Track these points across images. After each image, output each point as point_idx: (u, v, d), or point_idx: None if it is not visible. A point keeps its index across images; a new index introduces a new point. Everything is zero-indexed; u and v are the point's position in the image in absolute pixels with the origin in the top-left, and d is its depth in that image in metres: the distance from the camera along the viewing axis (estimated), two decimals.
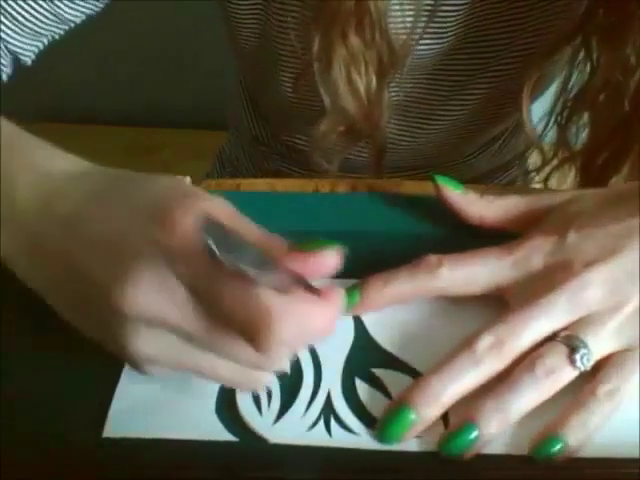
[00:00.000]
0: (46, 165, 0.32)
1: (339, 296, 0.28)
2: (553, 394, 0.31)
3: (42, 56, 0.51)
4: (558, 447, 0.30)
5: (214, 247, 0.24)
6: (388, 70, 0.49)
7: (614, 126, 0.48)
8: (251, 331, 0.25)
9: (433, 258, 0.34)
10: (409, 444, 0.31)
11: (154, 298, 0.27)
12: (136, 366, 0.29)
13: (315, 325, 0.27)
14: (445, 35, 0.52)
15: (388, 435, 0.31)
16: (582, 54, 0.48)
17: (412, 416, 0.31)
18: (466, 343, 0.32)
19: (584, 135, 0.52)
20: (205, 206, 0.27)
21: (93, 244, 0.28)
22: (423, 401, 0.31)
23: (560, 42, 0.50)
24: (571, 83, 0.50)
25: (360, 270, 0.36)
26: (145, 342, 0.28)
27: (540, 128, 0.53)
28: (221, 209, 0.28)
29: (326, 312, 0.27)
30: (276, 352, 0.26)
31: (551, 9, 0.51)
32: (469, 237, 0.36)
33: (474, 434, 0.30)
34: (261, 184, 0.44)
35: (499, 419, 0.30)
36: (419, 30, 0.50)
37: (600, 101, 0.48)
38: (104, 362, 0.32)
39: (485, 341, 0.32)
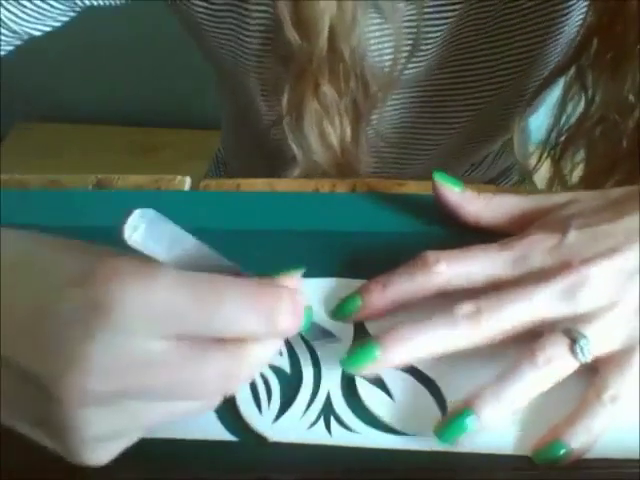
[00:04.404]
0: None
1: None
2: (553, 386, 0.31)
3: (43, 57, 0.51)
4: (562, 452, 0.30)
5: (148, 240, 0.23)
6: (365, 115, 0.48)
7: (612, 162, 0.47)
8: None
9: (431, 255, 0.34)
10: (409, 444, 0.31)
11: (109, 374, 0.23)
12: (78, 454, 0.25)
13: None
14: (424, 56, 0.51)
15: (350, 363, 0.32)
16: (576, 87, 0.47)
17: (376, 352, 0.31)
18: (449, 306, 0.32)
19: (580, 169, 0.51)
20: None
21: (9, 325, 0.24)
22: (391, 343, 0.32)
23: (552, 75, 0.49)
24: (565, 116, 0.49)
25: (361, 270, 0.36)
26: (95, 425, 0.24)
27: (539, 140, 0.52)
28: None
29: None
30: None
31: (533, 33, 0.50)
32: (470, 237, 0.36)
33: (470, 419, 0.30)
34: (261, 184, 0.44)
35: (497, 406, 0.31)
36: (399, 67, 0.48)
37: (596, 136, 0.48)
38: None
39: (465, 308, 0.32)
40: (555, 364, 0.31)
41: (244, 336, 0.26)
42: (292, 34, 0.44)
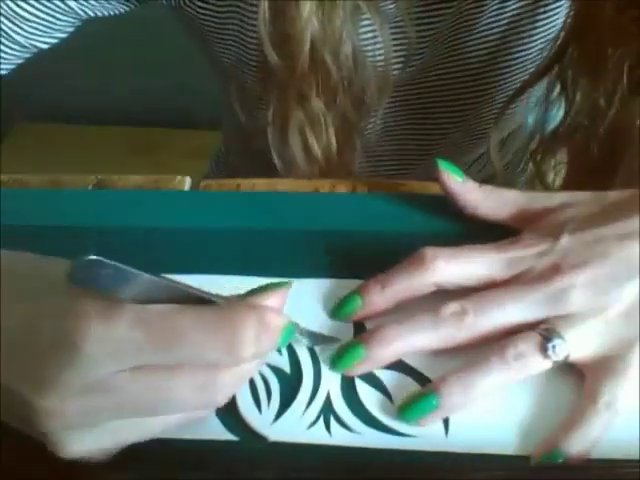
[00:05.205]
0: None
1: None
2: (553, 386, 0.32)
3: (43, 57, 0.51)
4: (560, 460, 0.30)
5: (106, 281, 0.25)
6: (357, 124, 0.48)
7: (590, 170, 0.47)
8: None
9: (428, 252, 0.34)
10: (409, 444, 0.31)
11: (80, 397, 0.26)
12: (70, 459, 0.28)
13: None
14: (417, 57, 0.51)
15: (337, 364, 0.33)
16: (557, 90, 0.47)
17: (362, 352, 0.32)
18: (435, 305, 0.33)
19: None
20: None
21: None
22: (375, 343, 0.33)
23: (532, 79, 0.49)
24: (548, 117, 0.49)
25: (361, 270, 0.36)
26: (78, 443, 0.27)
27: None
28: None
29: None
30: None
31: (525, 33, 0.50)
32: (470, 237, 0.36)
33: (434, 402, 0.31)
34: (261, 184, 0.44)
35: (461, 393, 0.31)
36: (393, 71, 0.48)
37: (577, 139, 0.48)
38: None
39: (450, 307, 0.33)
40: (525, 361, 0.31)
41: (208, 364, 0.27)
42: (270, 52, 0.44)
